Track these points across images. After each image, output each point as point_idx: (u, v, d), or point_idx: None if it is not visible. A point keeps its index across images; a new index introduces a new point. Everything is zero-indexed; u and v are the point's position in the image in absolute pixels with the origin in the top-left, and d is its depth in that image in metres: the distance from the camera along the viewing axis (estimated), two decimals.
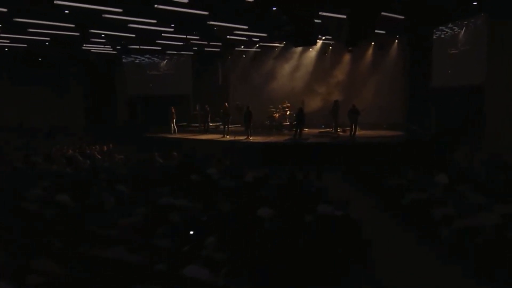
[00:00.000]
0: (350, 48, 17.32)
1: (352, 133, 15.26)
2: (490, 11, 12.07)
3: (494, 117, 12.07)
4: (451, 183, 8.18)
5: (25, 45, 16.13)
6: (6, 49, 17.34)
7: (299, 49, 18.96)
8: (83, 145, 13.75)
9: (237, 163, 11.22)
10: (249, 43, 18.58)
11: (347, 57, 18.57)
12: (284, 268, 4.85)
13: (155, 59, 21.24)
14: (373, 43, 18.03)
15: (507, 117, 11.52)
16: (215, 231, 5.36)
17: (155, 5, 10.51)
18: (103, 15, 11.19)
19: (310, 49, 19.06)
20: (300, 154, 13.28)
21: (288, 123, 17.54)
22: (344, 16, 12.09)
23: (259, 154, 13.47)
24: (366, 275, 5.65)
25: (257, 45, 19.19)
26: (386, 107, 17.38)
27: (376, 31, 14.56)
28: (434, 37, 15.33)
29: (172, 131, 16.96)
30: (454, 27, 14.26)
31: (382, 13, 12.08)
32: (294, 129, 15.44)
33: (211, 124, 17.91)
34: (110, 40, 16.21)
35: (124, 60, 20.88)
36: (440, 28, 14.96)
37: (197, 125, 18.47)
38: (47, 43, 15.73)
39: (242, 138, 15.08)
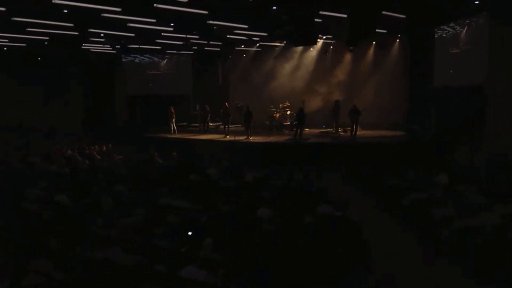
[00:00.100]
0: (351, 48, 17.28)
1: (353, 133, 15.20)
2: (492, 10, 12.00)
3: (495, 117, 12.00)
4: (451, 183, 8.15)
5: (24, 45, 16.10)
6: (5, 49, 17.31)
7: (300, 48, 18.90)
8: (83, 145, 13.69)
9: (237, 163, 11.16)
10: (250, 42, 18.53)
11: (348, 57, 18.51)
12: (283, 268, 4.83)
13: (155, 58, 21.18)
14: (374, 43, 17.96)
15: (508, 117, 11.46)
16: (214, 232, 5.34)
17: (154, 4, 10.47)
18: (102, 15, 11.15)
19: (311, 49, 18.99)
20: (300, 154, 13.22)
21: (289, 123, 17.48)
22: (345, 16, 12.04)
23: (259, 154, 13.42)
24: (366, 275, 5.65)
25: (258, 45, 19.13)
26: (387, 107, 17.32)
27: (377, 30, 14.52)
28: (436, 36, 15.25)
29: (172, 131, 16.91)
30: (455, 26, 14.18)
31: (383, 13, 12.04)
32: (294, 129, 15.39)
33: (211, 124, 17.85)
34: (109, 39, 16.17)
35: (123, 60, 20.82)
36: (442, 27, 14.88)
37: (197, 125, 18.42)
38: (46, 43, 15.68)
39: (242, 138, 15.02)
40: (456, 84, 13.92)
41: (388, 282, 5.54)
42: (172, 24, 13.72)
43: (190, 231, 5.52)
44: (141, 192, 7.86)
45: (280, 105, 17.99)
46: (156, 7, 10.64)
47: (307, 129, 16.10)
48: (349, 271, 5.53)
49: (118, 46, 17.99)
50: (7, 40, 15.51)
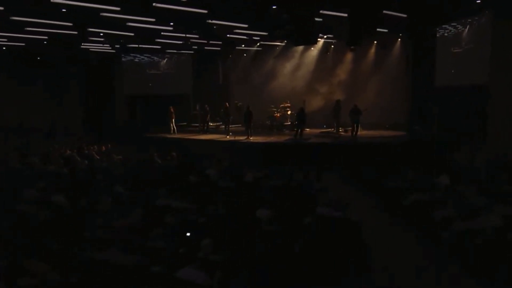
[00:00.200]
0: (352, 47, 17.16)
1: (354, 133, 15.10)
2: (494, 9, 11.90)
3: (498, 117, 11.91)
4: (452, 183, 8.11)
5: (23, 44, 16.05)
6: (4, 48, 17.26)
7: (301, 48, 18.80)
8: (82, 145, 13.64)
9: (237, 163, 11.10)
10: (250, 42, 18.45)
11: (349, 56, 18.40)
12: (282, 269, 4.80)
13: (155, 58, 21.10)
14: (375, 42, 17.86)
15: (510, 117, 11.36)
16: (213, 233, 5.30)
17: (153, 4, 10.40)
18: (101, 14, 11.08)
19: (312, 48, 18.89)
20: (301, 154, 13.16)
21: (289, 123, 17.40)
22: (345, 15, 11.95)
23: (259, 154, 13.36)
24: (366, 276, 5.64)
25: (258, 44, 19.05)
26: (388, 107, 17.22)
27: (378, 29, 14.42)
28: (438, 35, 15.15)
29: (172, 131, 16.85)
30: (457, 26, 14.08)
31: (385, 12, 11.95)
32: (295, 129, 15.31)
33: (211, 124, 17.79)
34: (108, 39, 16.11)
35: (123, 59, 20.76)
36: (443, 26, 14.78)
37: (197, 125, 18.34)
38: (45, 42, 15.62)
39: (242, 138, 14.94)
40: (458, 84, 13.82)
41: (388, 283, 5.53)
42: (171, 24, 13.64)
43: (189, 232, 5.48)
44: (140, 193, 7.81)
45: (281, 105, 17.90)
46: (155, 6, 10.56)
47: (307, 129, 16.00)
48: (348, 271, 5.52)
49: (118, 46, 17.92)
50: (6, 40, 15.47)
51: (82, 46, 17.13)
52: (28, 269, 4.41)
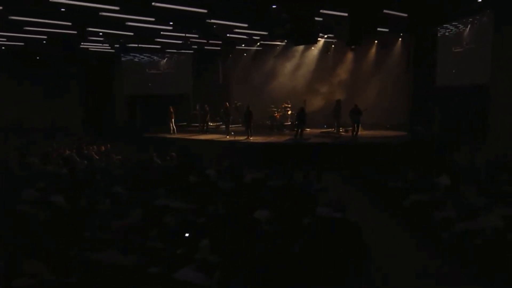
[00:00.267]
0: (352, 47, 17.10)
1: (354, 133, 15.04)
2: (495, 8, 11.82)
3: (498, 117, 11.85)
4: (453, 184, 8.07)
5: (22, 44, 16.01)
6: (3, 48, 17.21)
7: (301, 47, 18.73)
8: (81, 145, 13.60)
9: (237, 163, 11.04)
10: (250, 41, 18.39)
11: (349, 56, 18.32)
12: (281, 269, 4.77)
13: (155, 57, 21.04)
14: (376, 42, 17.79)
15: (511, 117, 11.29)
16: (211, 233, 5.28)
17: (153, 3, 10.35)
18: (100, 13, 11.04)
19: (312, 48, 18.82)
20: (301, 154, 13.11)
21: (290, 123, 17.34)
22: (346, 14, 11.89)
23: (259, 155, 13.30)
24: (366, 276, 5.64)
25: (258, 44, 18.99)
26: (389, 107, 17.15)
27: (379, 29, 14.35)
28: (439, 35, 15.08)
29: (171, 131, 16.80)
30: (459, 25, 14.01)
31: (385, 11, 11.88)
32: (295, 129, 15.25)
33: (211, 124, 17.73)
34: (108, 38, 16.06)
35: (123, 59, 20.70)
36: (445, 25, 14.71)
37: (197, 125, 18.28)
38: (44, 42, 15.58)
39: (242, 138, 14.90)
40: (459, 83, 13.75)
41: (388, 283, 5.51)
42: (171, 23, 13.59)
43: (188, 233, 5.45)
44: (140, 193, 7.75)
45: (282, 105, 17.84)
46: (154, 6, 10.51)
47: (308, 129, 15.96)
48: (348, 271, 5.50)
49: (117, 45, 17.87)
50: (5, 39, 15.44)
51: (81, 46, 17.10)
52: (25, 269, 4.39)
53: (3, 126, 18.23)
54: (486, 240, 5.45)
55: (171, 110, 16.85)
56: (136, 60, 20.92)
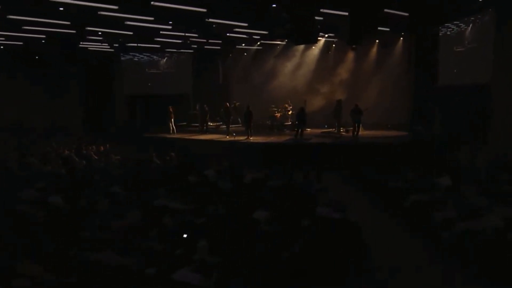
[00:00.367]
0: (353, 46, 17.02)
1: (355, 133, 14.97)
2: (497, 7, 11.74)
3: (499, 116, 11.76)
4: (453, 184, 8.04)
5: (21, 43, 15.96)
6: (2, 47, 17.15)
7: (301, 47, 18.64)
8: (81, 145, 13.57)
9: (237, 163, 10.99)
10: (250, 41, 18.32)
11: (350, 55, 18.22)
12: (281, 269, 4.77)
13: (155, 57, 20.96)
14: (377, 41, 17.70)
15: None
16: (210, 234, 5.28)
17: (152, 2, 10.29)
18: (99, 12, 10.98)
19: (313, 47, 18.73)
20: (301, 154, 13.05)
21: (290, 123, 17.27)
22: (346, 13, 11.82)
23: (259, 155, 13.24)
24: (366, 276, 5.65)
25: (258, 43, 18.92)
26: (390, 107, 17.06)
27: (380, 28, 14.27)
28: (440, 34, 14.99)
29: (171, 131, 16.74)
30: (460, 24, 13.92)
31: (386, 10, 11.81)
32: (295, 129, 15.18)
33: (211, 124, 17.67)
34: (107, 37, 16.01)
35: (122, 58, 20.63)
36: (446, 25, 14.62)
37: (197, 125, 18.22)
38: (43, 41, 15.53)
39: (242, 138, 14.83)
40: (461, 83, 13.66)
41: (388, 283, 5.50)
42: (170, 22, 13.53)
43: (186, 233, 5.42)
44: (138, 193, 7.71)
45: (285, 105, 17.77)
46: (153, 5, 10.45)
47: (308, 129, 15.89)
48: (348, 271, 5.53)
49: (117, 45, 17.81)
50: (3, 39, 15.41)
51: (80, 45, 17.05)
52: (21, 271, 4.37)
53: (3, 126, 18.22)
54: (487, 240, 5.44)
55: (171, 110, 16.79)
56: (135, 59, 20.84)
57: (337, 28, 14.90)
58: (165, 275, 4.38)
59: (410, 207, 7.36)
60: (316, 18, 12.37)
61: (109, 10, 10.95)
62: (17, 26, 12.81)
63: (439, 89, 15.07)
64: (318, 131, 16.37)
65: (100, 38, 15.96)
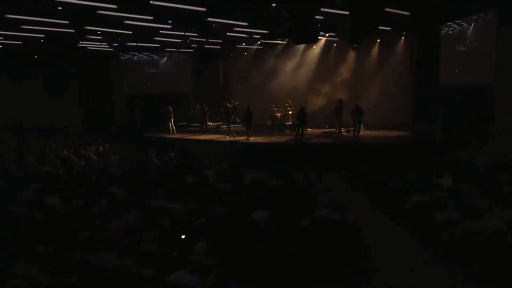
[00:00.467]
0: (354, 46, 16.94)
1: (356, 133, 14.89)
2: (500, 6, 11.64)
3: (503, 116, 11.67)
4: (455, 185, 7.98)
5: (20, 42, 15.92)
6: (1, 46, 17.13)
7: (302, 46, 18.54)
8: (80, 145, 13.53)
9: (237, 163, 10.93)
10: (251, 40, 18.25)
11: (351, 55, 18.11)
12: (281, 270, 4.77)
13: (154, 56, 20.89)
14: (378, 40, 17.61)
15: None
16: (208, 235, 5.26)
17: (151, 1, 10.23)
18: (98, 12, 10.93)
19: (314, 47, 18.62)
20: (301, 154, 13.01)
21: (291, 123, 17.20)
22: (347, 12, 11.75)
23: (259, 155, 13.20)
24: (366, 276, 5.64)
25: (259, 43, 18.84)
26: (391, 106, 16.96)
27: (381, 28, 14.18)
28: (442, 33, 14.89)
29: (171, 131, 16.69)
30: (462, 23, 13.82)
31: (387, 10, 11.73)
32: (295, 129, 15.11)
33: (211, 124, 17.60)
34: (106, 37, 15.95)
35: (122, 58, 20.57)
36: (448, 24, 14.53)
37: (197, 125, 18.17)
38: (42, 40, 15.49)
39: (242, 138, 14.76)
40: (462, 82, 13.58)
41: (388, 283, 5.50)
42: (170, 22, 13.47)
43: (184, 234, 5.37)
44: (135, 194, 7.66)
45: (286, 105, 17.70)
46: (152, 4, 10.39)
47: (309, 129, 15.84)
48: (348, 271, 5.52)
49: (116, 44, 17.76)
50: (2, 38, 15.38)
51: (80, 45, 17.00)
52: (17, 272, 4.38)
53: (3, 126, 18.22)
54: (487, 240, 5.41)
55: (170, 110, 16.74)
56: (135, 59, 20.76)
57: (338, 27, 14.81)
58: (162, 276, 4.36)
59: (410, 207, 7.33)
60: (317, 17, 12.30)
61: (108, 9, 10.89)
62: (15, 25, 12.76)
63: (441, 88, 14.98)
64: (319, 131, 16.30)
65: (99, 37, 15.90)
